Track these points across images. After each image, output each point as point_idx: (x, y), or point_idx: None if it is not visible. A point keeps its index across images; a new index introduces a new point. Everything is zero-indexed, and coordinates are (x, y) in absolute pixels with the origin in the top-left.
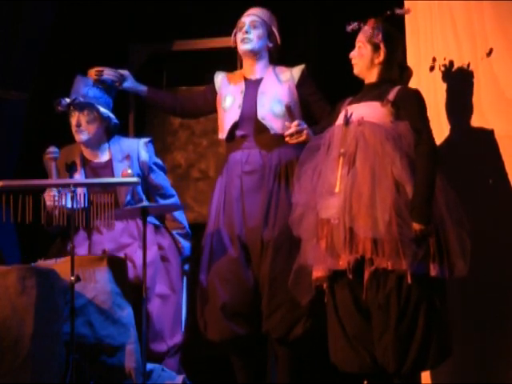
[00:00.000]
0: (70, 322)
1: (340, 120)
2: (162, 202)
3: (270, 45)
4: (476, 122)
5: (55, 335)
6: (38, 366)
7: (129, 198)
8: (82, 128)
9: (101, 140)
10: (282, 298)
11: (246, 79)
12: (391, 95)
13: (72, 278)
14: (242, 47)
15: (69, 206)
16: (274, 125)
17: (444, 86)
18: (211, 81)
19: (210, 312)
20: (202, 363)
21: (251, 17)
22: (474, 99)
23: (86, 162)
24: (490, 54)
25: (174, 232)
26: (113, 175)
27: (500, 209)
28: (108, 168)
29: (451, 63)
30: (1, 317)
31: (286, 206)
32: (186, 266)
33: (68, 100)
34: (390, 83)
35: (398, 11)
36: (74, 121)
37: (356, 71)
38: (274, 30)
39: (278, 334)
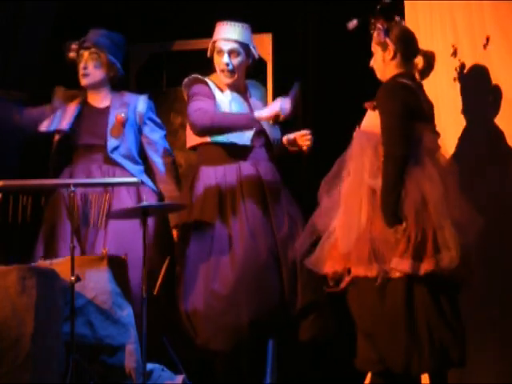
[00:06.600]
0: (70, 321)
1: None
2: (155, 158)
3: (249, 62)
4: (476, 122)
5: (55, 335)
6: (38, 366)
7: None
8: (88, 71)
9: (104, 87)
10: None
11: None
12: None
13: (72, 278)
14: (225, 80)
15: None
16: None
17: (444, 85)
18: (205, 84)
19: (223, 323)
20: (201, 363)
21: (230, 44)
22: (474, 99)
23: (85, 104)
24: (487, 43)
25: None
26: (107, 122)
27: (501, 209)
28: (104, 114)
29: (451, 63)
30: (1, 317)
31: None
32: None
33: (77, 43)
34: (404, 78)
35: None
36: (81, 64)
37: (378, 76)
38: (252, 48)
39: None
